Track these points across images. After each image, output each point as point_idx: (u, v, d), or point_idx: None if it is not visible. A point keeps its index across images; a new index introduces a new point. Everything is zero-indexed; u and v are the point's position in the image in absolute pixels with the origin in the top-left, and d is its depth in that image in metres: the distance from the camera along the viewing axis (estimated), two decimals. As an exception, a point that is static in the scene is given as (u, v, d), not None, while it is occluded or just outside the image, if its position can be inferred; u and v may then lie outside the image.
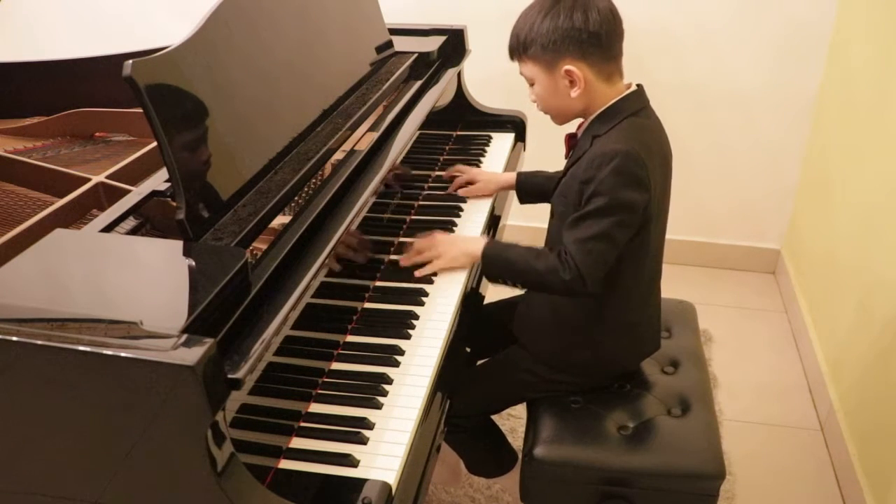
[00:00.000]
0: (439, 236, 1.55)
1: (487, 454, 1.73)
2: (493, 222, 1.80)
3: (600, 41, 1.34)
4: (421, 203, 1.76)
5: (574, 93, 1.37)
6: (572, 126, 1.49)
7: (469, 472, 1.79)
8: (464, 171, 1.82)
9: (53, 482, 0.97)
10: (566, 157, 1.48)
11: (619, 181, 1.30)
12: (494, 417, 1.72)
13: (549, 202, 1.64)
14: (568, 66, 1.35)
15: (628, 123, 1.37)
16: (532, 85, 1.43)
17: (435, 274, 1.50)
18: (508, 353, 1.58)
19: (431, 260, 1.50)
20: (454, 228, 1.68)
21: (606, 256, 1.33)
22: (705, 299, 2.54)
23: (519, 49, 1.40)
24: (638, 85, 1.43)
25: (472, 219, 1.72)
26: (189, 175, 1.09)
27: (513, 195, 1.90)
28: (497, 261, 1.45)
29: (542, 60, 1.37)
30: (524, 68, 1.41)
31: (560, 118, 1.46)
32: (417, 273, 1.49)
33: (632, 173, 1.31)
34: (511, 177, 1.78)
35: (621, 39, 1.39)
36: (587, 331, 1.48)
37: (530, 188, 1.75)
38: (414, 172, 1.78)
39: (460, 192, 1.79)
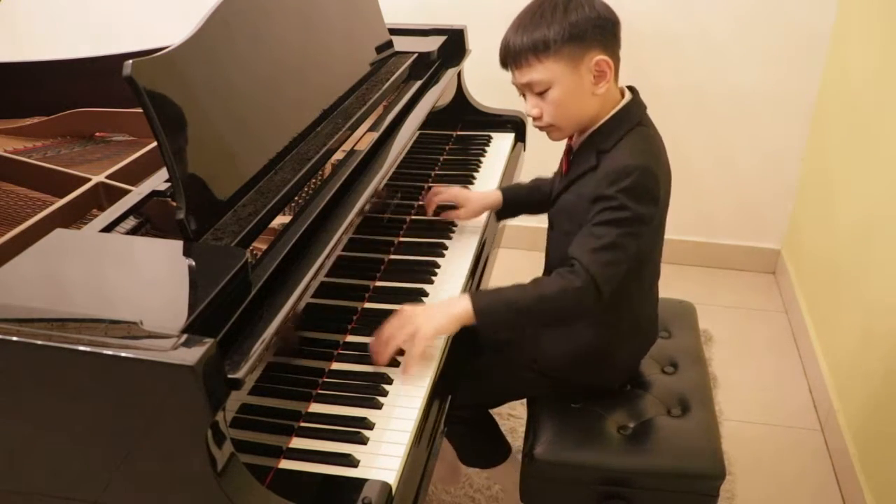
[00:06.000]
0: (409, 310, 1.29)
1: (483, 446, 1.72)
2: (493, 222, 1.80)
3: (617, 32, 1.34)
4: (421, 203, 1.76)
5: (600, 89, 1.31)
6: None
7: (462, 462, 1.78)
8: (441, 192, 1.66)
9: (54, 482, 0.96)
10: (564, 173, 1.43)
11: (635, 197, 1.27)
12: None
13: (529, 213, 1.62)
14: (598, 57, 1.29)
15: (635, 134, 1.33)
16: (542, 92, 1.32)
17: (436, 272, 1.49)
18: (512, 352, 1.56)
19: (411, 339, 1.25)
20: (454, 228, 1.67)
21: (618, 267, 1.29)
22: (705, 299, 2.53)
23: (536, 49, 1.29)
24: (631, 89, 1.39)
25: (472, 219, 1.72)
26: (189, 175, 1.09)
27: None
28: (495, 307, 1.30)
29: (567, 56, 1.29)
30: (540, 72, 1.30)
31: (569, 127, 1.37)
32: (404, 372, 1.25)
33: (647, 189, 1.29)
34: (497, 196, 1.66)
35: None
36: (600, 345, 1.45)
37: (518, 204, 1.66)
38: (414, 172, 1.78)
39: (444, 216, 1.64)
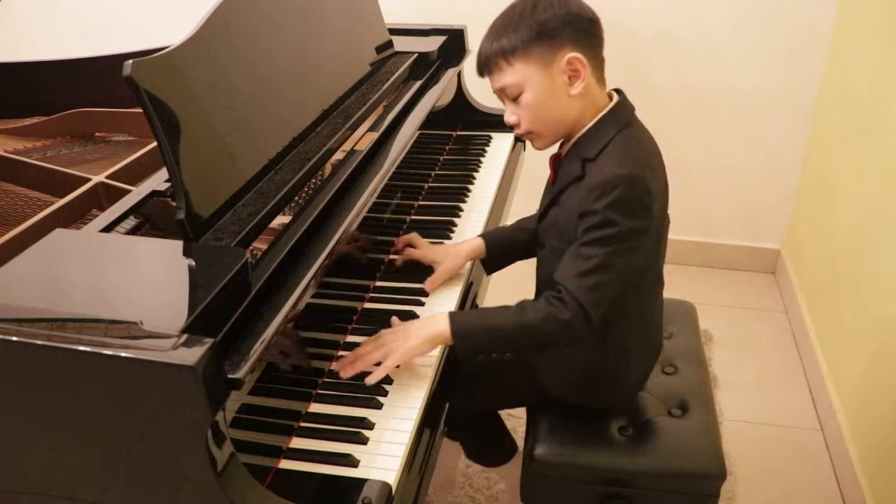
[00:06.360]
0: (385, 332, 1.28)
1: (487, 445, 1.71)
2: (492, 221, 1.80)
3: (594, 29, 1.26)
4: (421, 203, 1.76)
5: (575, 89, 1.24)
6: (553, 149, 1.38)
7: (467, 457, 1.78)
8: (416, 247, 1.53)
9: (54, 482, 0.96)
10: (550, 183, 1.36)
11: (624, 211, 1.20)
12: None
13: (521, 258, 1.53)
14: (570, 54, 1.22)
15: (622, 140, 1.26)
16: (516, 98, 1.27)
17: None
18: (509, 364, 1.51)
19: (381, 360, 1.23)
20: (454, 228, 1.68)
21: (609, 288, 1.23)
22: (705, 299, 2.54)
23: (505, 52, 1.25)
24: (618, 91, 1.32)
25: (472, 219, 1.72)
26: (189, 175, 1.09)
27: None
28: (474, 332, 1.25)
29: (536, 56, 1.23)
30: (510, 75, 1.26)
31: (548, 133, 1.30)
32: (368, 380, 1.21)
33: (637, 201, 1.21)
34: (478, 243, 1.52)
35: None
36: (606, 364, 1.40)
37: (504, 245, 1.53)
38: (414, 172, 1.78)
39: (427, 287, 1.46)
